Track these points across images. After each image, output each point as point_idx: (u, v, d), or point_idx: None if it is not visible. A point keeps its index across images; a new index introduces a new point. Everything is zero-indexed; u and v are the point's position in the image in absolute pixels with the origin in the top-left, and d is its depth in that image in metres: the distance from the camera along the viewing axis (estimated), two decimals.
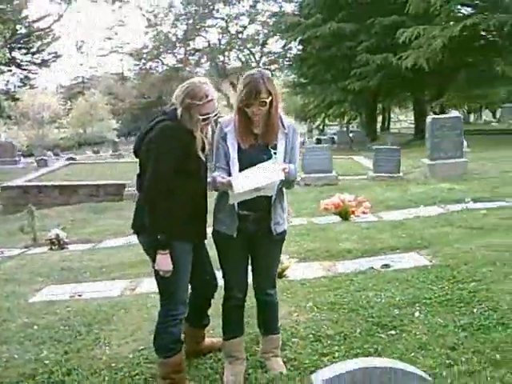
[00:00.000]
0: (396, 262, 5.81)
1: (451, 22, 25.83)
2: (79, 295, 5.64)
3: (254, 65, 50.78)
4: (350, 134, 35.91)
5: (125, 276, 6.41)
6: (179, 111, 3.25)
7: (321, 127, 46.91)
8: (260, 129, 3.37)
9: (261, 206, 3.39)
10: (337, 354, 3.82)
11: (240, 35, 52.53)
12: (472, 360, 3.57)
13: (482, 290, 4.68)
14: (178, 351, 3.45)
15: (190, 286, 3.60)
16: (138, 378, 3.68)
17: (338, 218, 8.38)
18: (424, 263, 5.71)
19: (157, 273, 3.34)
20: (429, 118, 13.11)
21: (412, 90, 34.40)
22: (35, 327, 4.68)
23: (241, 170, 3.28)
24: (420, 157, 14.02)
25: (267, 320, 3.78)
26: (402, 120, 64.61)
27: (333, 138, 36.13)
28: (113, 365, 3.88)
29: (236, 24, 52.20)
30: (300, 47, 38.67)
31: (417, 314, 4.39)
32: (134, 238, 3.66)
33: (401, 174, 13.04)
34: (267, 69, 50.93)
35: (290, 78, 44.92)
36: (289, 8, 44.03)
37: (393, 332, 4.11)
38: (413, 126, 38.36)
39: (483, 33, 26.90)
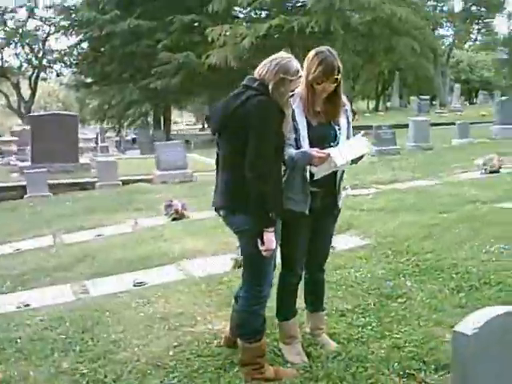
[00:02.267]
0: (340, 244, 6.13)
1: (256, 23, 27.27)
2: (26, 305, 5.00)
3: (35, 63, 47.76)
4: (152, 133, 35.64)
5: (58, 280, 5.83)
6: (271, 86, 3.15)
7: (118, 128, 45.65)
8: (321, 106, 3.43)
9: (328, 183, 3.46)
10: (372, 324, 4.01)
11: (20, 30, 48.73)
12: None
13: (443, 259, 5.24)
14: (263, 334, 3.36)
15: None
16: (202, 371, 3.48)
17: None
18: (365, 243, 6.12)
19: (250, 253, 3.22)
20: None
21: (213, 90, 35.44)
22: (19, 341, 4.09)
23: (310, 146, 3.32)
24: None
25: (318, 297, 3.84)
26: (179, 122, 65.39)
27: (134, 138, 35.75)
28: (159, 364, 3.60)
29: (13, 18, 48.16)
30: (90, 44, 37.36)
31: (408, 283, 4.77)
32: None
33: None
34: (49, 67, 48.63)
35: (75, 76, 43.23)
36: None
37: (400, 300, 4.43)
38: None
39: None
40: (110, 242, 7.17)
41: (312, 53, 3.36)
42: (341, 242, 6.25)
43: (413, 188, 9.44)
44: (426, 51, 32.78)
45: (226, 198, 3.28)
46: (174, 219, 7.95)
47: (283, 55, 3.23)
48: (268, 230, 3.09)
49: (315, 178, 3.37)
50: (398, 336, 3.82)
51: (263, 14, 31.36)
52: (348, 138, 3.52)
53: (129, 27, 30.98)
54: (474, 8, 52.66)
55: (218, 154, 3.42)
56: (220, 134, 3.30)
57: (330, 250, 5.70)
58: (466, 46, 62.94)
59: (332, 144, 3.41)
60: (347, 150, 3.32)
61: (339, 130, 3.46)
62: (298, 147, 3.32)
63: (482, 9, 52.99)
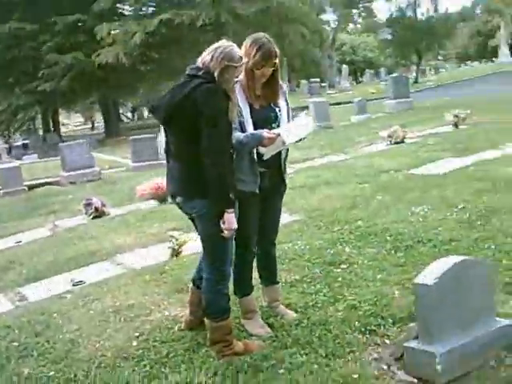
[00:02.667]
0: None
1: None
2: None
3: None
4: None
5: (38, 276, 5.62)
6: (216, 73, 3.19)
7: (7, 134, 43.27)
8: (260, 90, 3.55)
9: (274, 163, 3.61)
10: (323, 291, 4.17)
11: None
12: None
13: (374, 225, 5.51)
14: (229, 311, 3.43)
15: None
16: (172, 356, 3.48)
17: (155, 203, 8.40)
18: (295, 218, 6.29)
19: (211, 235, 3.28)
20: None
21: (105, 88, 34.49)
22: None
23: (254, 129, 3.44)
24: None
25: (272, 270, 3.95)
26: (66, 123, 63.07)
27: (25, 143, 34.29)
28: (125, 355, 3.56)
29: None
30: None
31: (347, 249, 4.99)
32: None
33: (161, 161, 13.40)
34: None
35: None
36: None
37: (344, 266, 4.63)
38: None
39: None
40: (34, 247, 6.89)
41: (249, 40, 3.47)
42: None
43: (326, 164, 9.80)
44: (313, 36, 33.79)
45: (182, 185, 3.31)
46: (94, 217, 7.75)
47: (225, 43, 3.29)
48: (228, 211, 3.17)
49: (264, 158, 3.47)
50: (350, 298, 4.00)
51: (150, 9, 30.85)
52: (288, 118, 3.65)
53: (9, 30, 29.42)
54: None
55: (167, 143, 3.45)
56: (168, 123, 3.31)
57: None
58: (349, 29, 65.61)
59: (273, 125, 3.54)
60: (294, 129, 3.45)
61: (279, 111, 3.61)
62: (242, 130, 3.41)
63: None
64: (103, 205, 7.82)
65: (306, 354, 3.32)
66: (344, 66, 50.50)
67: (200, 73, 3.21)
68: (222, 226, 3.19)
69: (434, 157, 8.76)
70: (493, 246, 4.58)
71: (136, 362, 3.47)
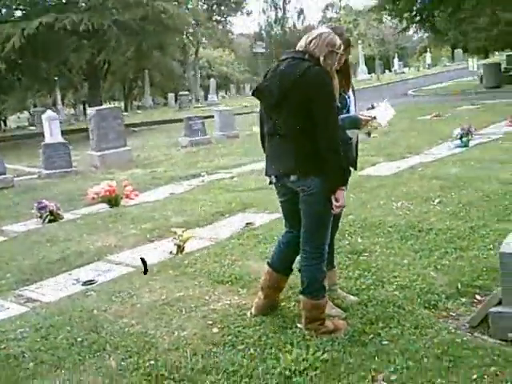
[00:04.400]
0: (257, 220, 6.43)
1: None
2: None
3: None
4: None
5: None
6: (322, 58, 3.35)
7: None
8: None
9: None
10: (365, 275, 4.44)
11: None
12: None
13: (369, 219, 5.87)
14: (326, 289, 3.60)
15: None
16: (265, 340, 3.54)
17: (105, 206, 8.15)
18: (273, 217, 6.47)
19: (320, 213, 3.43)
20: (92, 110, 13.38)
21: None
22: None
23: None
24: None
25: (332, 253, 4.11)
26: None
27: None
28: (215, 342, 3.56)
29: None
30: None
31: (359, 240, 5.29)
32: None
33: (75, 169, 12.84)
34: None
35: None
36: None
37: (366, 254, 4.93)
38: None
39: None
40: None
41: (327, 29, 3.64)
42: (259, 217, 6.54)
43: (257, 170, 9.99)
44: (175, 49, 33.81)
45: (296, 163, 3.40)
46: (50, 221, 7.34)
47: (326, 30, 3.47)
48: (343, 188, 3.36)
49: (350, 142, 3.71)
50: (395, 280, 4.29)
51: (20, 13, 29.27)
52: (355, 107, 3.90)
53: None
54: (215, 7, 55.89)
55: (268, 124, 3.53)
56: (281, 103, 3.38)
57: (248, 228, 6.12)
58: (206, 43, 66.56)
59: (344, 111, 3.75)
60: (381, 113, 3.72)
61: (349, 99, 3.83)
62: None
63: (223, 8, 56.46)
64: (58, 208, 7.43)
65: (396, 327, 3.55)
66: (212, 79, 51.35)
67: (306, 56, 3.36)
68: (334, 202, 3.36)
69: (370, 161, 9.37)
70: (490, 232, 5.12)
71: (231, 346, 3.48)
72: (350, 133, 3.70)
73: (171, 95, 47.48)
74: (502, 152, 8.83)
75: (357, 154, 3.96)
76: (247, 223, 6.30)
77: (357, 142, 3.95)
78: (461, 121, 12.13)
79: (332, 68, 3.41)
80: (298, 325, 3.65)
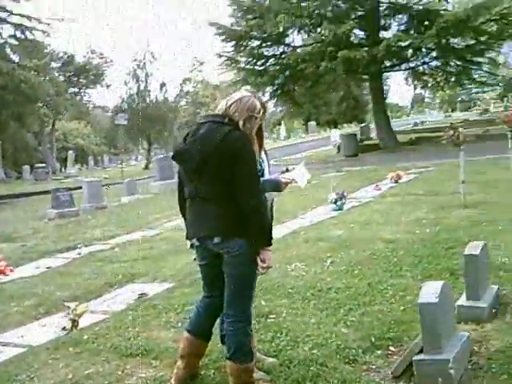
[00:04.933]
0: (148, 290, 6.19)
1: None
2: None
3: None
4: None
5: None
6: (241, 123, 3.37)
7: None
8: None
9: None
10: (278, 337, 4.41)
11: None
12: None
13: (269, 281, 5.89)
14: None
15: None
16: None
17: None
18: (166, 286, 6.30)
19: (245, 275, 3.39)
20: None
21: None
22: None
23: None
24: None
25: None
26: None
27: None
28: None
29: None
30: None
31: (263, 302, 5.26)
32: None
33: None
34: None
35: None
36: None
37: (274, 316, 4.91)
38: None
39: None
40: None
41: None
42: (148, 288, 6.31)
43: (144, 238, 9.77)
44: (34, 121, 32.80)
45: (220, 225, 3.35)
46: None
47: (246, 94, 3.50)
48: (269, 249, 3.37)
49: (271, 201, 3.75)
50: (309, 339, 4.30)
51: None
52: (269, 170, 3.97)
53: None
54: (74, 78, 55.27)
55: (189, 187, 3.50)
56: (202, 167, 3.35)
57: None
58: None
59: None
60: (300, 175, 3.81)
61: (263, 162, 3.89)
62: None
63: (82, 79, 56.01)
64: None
65: None
66: (70, 152, 50.05)
67: (225, 120, 3.38)
68: (260, 263, 3.34)
69: None
70: (388, 287, 5.34)
71: None
72: (267, 195, 3.72)
73: (26, 167, 45.37)
74: (375, 214, 9.35)
75: (272, 217, 3.98)
76: (140, 294, 6.03)
77: (272, 204, 3.98)
78: (330, 186, 12.76)
79: (252, 132, 3.45)
80: None
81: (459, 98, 74.57)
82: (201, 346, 3.69)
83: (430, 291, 3.65)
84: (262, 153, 3.89)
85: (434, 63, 27.02)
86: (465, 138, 8.92)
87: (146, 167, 40.70)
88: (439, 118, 57.42)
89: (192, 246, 3.57)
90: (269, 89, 27.90)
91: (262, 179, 3.62)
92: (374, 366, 3.84)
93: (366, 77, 28.44)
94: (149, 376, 3.84)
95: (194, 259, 3.81)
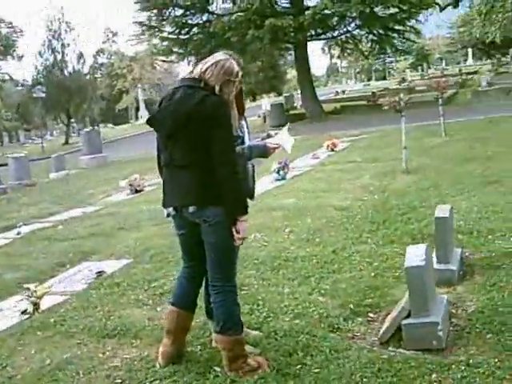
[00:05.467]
0: (106, 268, 5.98)
1: None
2: None
3: None
4: None
5: None
6: (217, 87, 3.24)
7: None
8: None
9: None
10: (255, 311, 4.37)
11: None
12: None
13: None
14: None
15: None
16: None
17: None
18: (124, 262, 6.12)
19: (225, 244, 3.29)
20: None
21: None
22: None
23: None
24: None
25: None
26: None
27: None
28: None
29: None
30: None
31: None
32: None
33: None
34: None
35: None
36: None
37: (246, 288, 4.86)
38: None
39: None
40: None
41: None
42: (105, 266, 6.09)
43: (86, 215, 9.42)
44: None
45: (194, 194, 3.25)
46: None
47: (223, 57, 3.35)
48: (243, 219, 3.25)
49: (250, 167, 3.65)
50: (287, 309, 4.28)
51: None
52: (249, 136, 3.86)
53: None
54: None
55: (164, 155, 3.38)
56: (175, 133, 3.24)
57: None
58: None
59: (239, 142, 3.70)
60: (285, 139, 3.71)
61: (243, 128, 3.77)
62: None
63: None
64: None
65: (318, 354, 3.51)
66: None
67: (201, 85, 3.24)
68: (235, 234, 3.24)
69: None
70: (353, 253, 5.40)
71: None
72: (253, 161, 3.62)
73: None
74: (320, 182, 9.43)
75: (254, 184, 3.88)
76: (98, 272, 5.79)
77: (253, 171, 3.87)
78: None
79: (229, 97, 3.32)
80: (216, 368, 3.42)
81: (374, 68, 76.45)
82: (187, 319, 3.59)
83: (416, 254, 3.70)
84: (242, 119, 3.78)
85: (357, 32, 27.38)
86: (406, 104, 9.09)
87: (66, 142, 39.34)
88: (358, 87, 58.63)
89: (168, 215, 3.43)
90: (193, 58, 27.35)
91: (248, 144, 3.53)
92: (358, 334, 3.86)
93: (290, 46, 28.46)
94: (133, 356, 3.70)
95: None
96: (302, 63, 27.13)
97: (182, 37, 26.88)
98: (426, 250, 3.73)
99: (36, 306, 4.84)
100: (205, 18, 26.59)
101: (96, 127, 38.42)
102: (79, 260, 6.52)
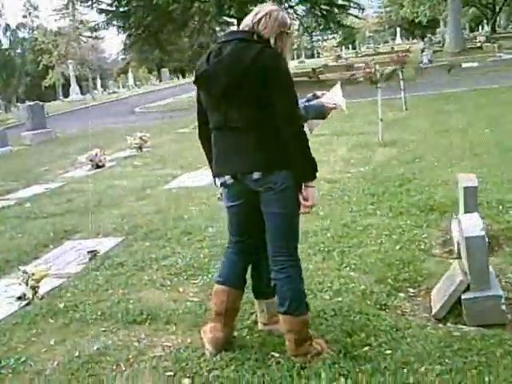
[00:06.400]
0: (96, 246, 5.51)
1: None
2: None
3: None
4: None
5: None
6: (272, 40, 2.92)
7: None
8: None
9: None
10: None
11: None
12: None
13: None
14: None
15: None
16: None
17: None
18: (118, 240, 5.68)
19: (292, 212, 2.98)
20: None
21: None
22: None
23: None
24: None
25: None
26: None
27: None
28: None
29: None
30: None
31: None
32: None
33: None
34: None
35: None
36: None
37: None
38: None
39: None
40: None
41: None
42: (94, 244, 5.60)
43: (50, 192, 8.77)
44: None
45: (259, 158, 2.89)
46: None
47: (274, 7, 3.02)
48: (312, 184, 2.95)
49: (312, 134, 3.34)
50: (322, 287, 4.01)
51: None
52: None
53: None
54: None
55: (214, 117, 3.00)
56: (232, 92, 2.86)
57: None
58: None
59: None
60: (338, 98, 3.42)
61: None
62: None
63: None
64: None
65: (380, 335, 3.25)
66: None
67: (254, 37, 2.90)
68: (302, 201, 2.94)
69: (166, 174, 8.91)
70: (369, 227, 5.18)
71: None
72: (310, 124, 3.30)
73: None
74: None
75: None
76: (91, 252, 5.29)
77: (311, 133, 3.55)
78: None
79: (283, 50, 2.98)
80: (274, 354, 3.11)
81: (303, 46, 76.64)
82: (238, 298, 3.25)
83: (473, 224, 3.49)
84: None
85: (300, 7, 27.11)
86: (381, 75, 8.92)
87: None
88: (293, 64, 58.60)
89: (223, 184, 3.04)
90: (132, 32, 26.29)
91: (303, 104, 3.20)
92: (407, 311, 3.64)
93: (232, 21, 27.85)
94: (175, 344, 3.33)
95: (219, 199, 3.33)
96: None
97: (121, 9, 25.75)
98: (479, 219, 3.54)
99: (35, 290, 4.35)
100: None
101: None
102: (61, 239, 5.98)
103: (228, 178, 2.99)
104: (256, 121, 2.87)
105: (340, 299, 3.76)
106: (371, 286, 3.93)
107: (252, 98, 2.85)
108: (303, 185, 2.93)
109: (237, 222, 3.20)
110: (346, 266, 4.35)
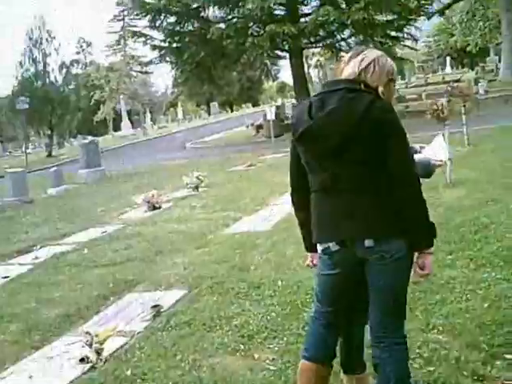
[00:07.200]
0: (159, 300, 5.28)
1: None
2: None
3: None
4: None
5: None
6: (381, 89, 2.65)
7: None
8: None
9: None
10: None
11: None
12: None
13: None
14: None
15: None
16: None
17: None
18: (181, 293, 5.44)
19: (403, 285, 2.72)
20: None
21: None
22: None
23: None
24: None
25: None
26: None
27: None
28: None
29: None
30: None
31: None
32: None
33: None
34: None
35: None
36: None
37: None
38: None
39: None
40: None
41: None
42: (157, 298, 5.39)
43: (102, 238, 8.66)
44: None
45: (374, 224, 2.60)
46: None
47: (379, 52, 2.78)
48: (429, 251, 2.66)
49: None
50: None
51: None
52: None
53: None
54: None
55: (319, 177, 2.71)
56: (342, 149, 2.59)
57: None
58: None
59: None
60: (440, 150, 3.17)
61: None
62: None
63: None
64: None
65: None
66: None
67: (362, 87, 2.63)
68: (417, 271, 2.67)
69: (226, 217, 8.70)
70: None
71: None
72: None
73: None
74: None
75: None
76: (154, 307, 5.07)
77: None
78: (281, 169, 12.15)
79: (391, 100, 2.74)
80: None
81: None
82: (327, 376, 2.92)
83: None
84: None
85: (353, 39, 26.97)
86: (450, 112, 8.56)
87: (50, 155, 38.17)
88: None
89: (325, 251, 2.74)
90: (187, 67, 26.63)
91: (417, 159, 2.91)
92: (507, 382, 3.25)
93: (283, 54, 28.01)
94: None
95: (308, 265, 3.07)
96: (298, 70, 26.60)
97: (174, 45, 26.17)
98: None
99: (99, 352, 4.13)
100: (197, 25, 25.87)
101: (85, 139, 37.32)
102: (122, 291, 5.79)
103: (333, 245, 2.69)
104: (369, 181, 2.60)
105: (433, 368, 3.41)
106: (464, 353, 3.56)
107: (365, 156, 2.58)
108: (418, 252, 2.66)
109: (329, 292, 2.87)
110: (432, 328, 3.98)
